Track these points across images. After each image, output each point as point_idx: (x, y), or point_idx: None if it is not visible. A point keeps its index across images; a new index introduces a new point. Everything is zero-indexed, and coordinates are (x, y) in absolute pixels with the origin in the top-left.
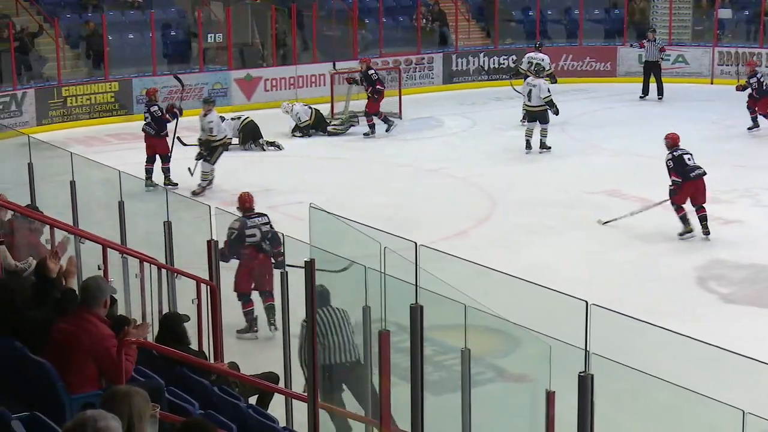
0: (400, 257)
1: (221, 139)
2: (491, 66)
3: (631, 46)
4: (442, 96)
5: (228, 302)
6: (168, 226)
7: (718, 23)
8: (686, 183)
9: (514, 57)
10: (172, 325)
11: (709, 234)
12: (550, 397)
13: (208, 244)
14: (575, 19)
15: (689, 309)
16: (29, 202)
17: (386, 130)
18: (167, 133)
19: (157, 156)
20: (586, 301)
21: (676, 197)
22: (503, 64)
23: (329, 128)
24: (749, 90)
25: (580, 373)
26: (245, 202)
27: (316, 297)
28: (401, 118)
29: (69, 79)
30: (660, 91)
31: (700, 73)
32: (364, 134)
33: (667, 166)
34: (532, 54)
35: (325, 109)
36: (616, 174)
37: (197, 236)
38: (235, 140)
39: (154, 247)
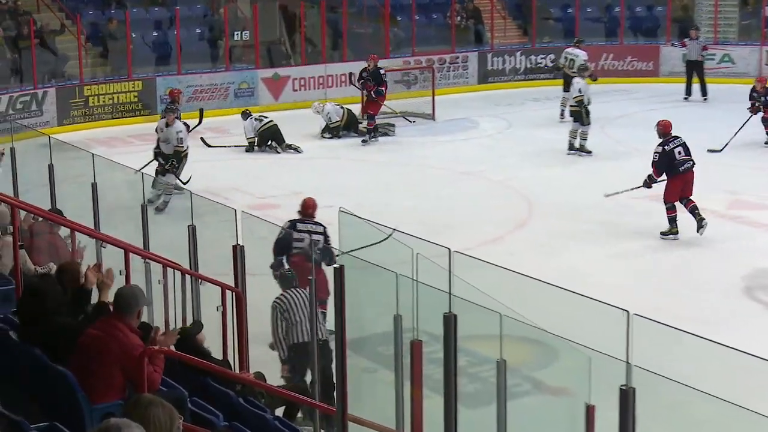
0: (433, 264)
1: (186, 149)
2: (528, 65)
3: (673, 45)
4: (476, 96)
5: (254, 310)
6: (192, 230)
7: (765, 21)
8: (676, 177)
9: (552, 56)
10: (186, 337)
11: (704, 222)
12: (589, 411)
13: (233, 249)
14: (616, 17)
15: (735, 319)
16: (50, 205)
17: (367, 139)
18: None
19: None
20: (627, 311)
21: (668, 195)
22: (540, 63)
23: (361, 128)
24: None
25: (621, 386)
26: (307, 208)
27: (344, 303)
28: (434, 119)
29: (91, 78)
30: (704, 92)
31: (747, 73)
32: (362, 141)
33: (653, 158)
34: (569, 50)
35: (355, 108)
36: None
37: (222, 241)
38: (239, 140)
39: (177, 252)
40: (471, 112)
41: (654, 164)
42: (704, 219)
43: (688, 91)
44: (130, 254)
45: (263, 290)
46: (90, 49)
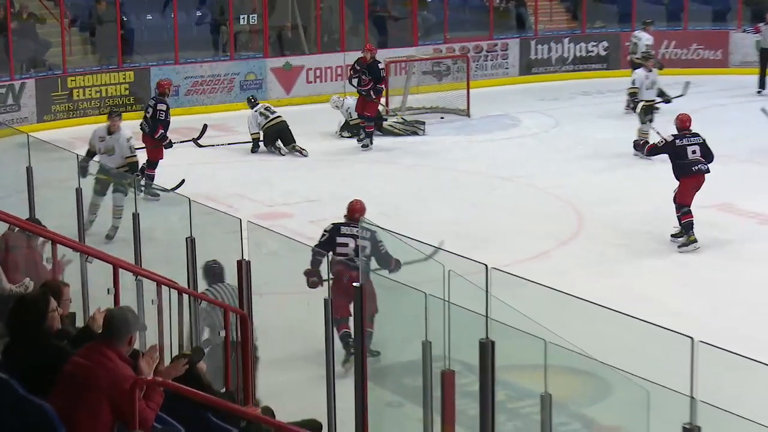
0: (467, 282)
1: (137, 158)
2: (577, 54)
3: (745, 31)
4: (518, 90)
5: (261, 334)
6: (191, 243)
7: None
8: (689, 178)
9: (606, 44)
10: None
11: (692, 241)
12: None
13: (238, 264)
14: None
15: None
16: (28, 213)
17: (361, 144)
18: (163, 137)
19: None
20: (692, 337)
21: (681, 196)
22: (592, 51)
23: (385, 125)
24: None
25: (684, 424)
26: (354, 212)
27: (365, 327)
28: (469, 116)
29: (76, 68)
30: None
31: None
32: (362, 146)
33: (657, 141)
34: (636, 32)
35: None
36: (728, 185)
37: (226, 255)
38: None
39: (174, 268)
40: (511, 107)
41: (653, 145)
42: (696, 240)
43: (762, 84)
44: (120, 270)
45: (272, 312)
46: (75, 35)
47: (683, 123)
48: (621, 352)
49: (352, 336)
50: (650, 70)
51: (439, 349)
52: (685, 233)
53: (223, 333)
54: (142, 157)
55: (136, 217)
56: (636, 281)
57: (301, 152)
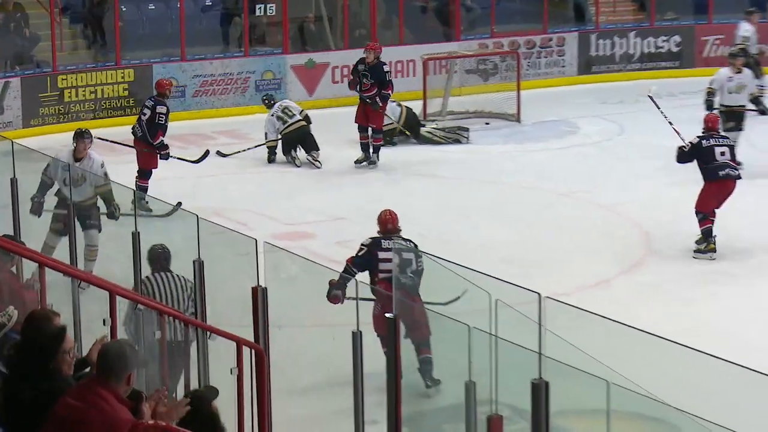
0: (517, 314)
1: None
2: (645, 50)
3: None
4: (576, 91)
5: (279, 372)
6: (199, 266)
7: None
8: (714, 183)
9: (678, 38)
10: (199, 406)
11: (710, 251)
12: None
13: (253, 292)
14: None
15: None
16: (12, 231)
17: (367, 162)
18: (162, 146)
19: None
20: None
21: (701, 203)
22: (662, 47)
23: (423, 132)
24: None
25: None
26: (386, 222)
27: (400, 365)
28: (519, 122)
29: (67, 65)
30: None
31: None
32: (369, 163)
33: (682, 144)
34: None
35: (416, 107)
36: None
37: (239, 281)
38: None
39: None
40: (569, 111)
41: (680, 149)
42: (715, 250)
43: None
44: (117, 297)
45: (293, 346)
46: (66, 27)
47: (713, 123)
48: (695, 395)
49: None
50: (739, 71)
51: (485, 391)
52: (705, 240)
53: (236, 371)
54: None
55: (136, 236)
56: (712, 313)
57: (314, 163)
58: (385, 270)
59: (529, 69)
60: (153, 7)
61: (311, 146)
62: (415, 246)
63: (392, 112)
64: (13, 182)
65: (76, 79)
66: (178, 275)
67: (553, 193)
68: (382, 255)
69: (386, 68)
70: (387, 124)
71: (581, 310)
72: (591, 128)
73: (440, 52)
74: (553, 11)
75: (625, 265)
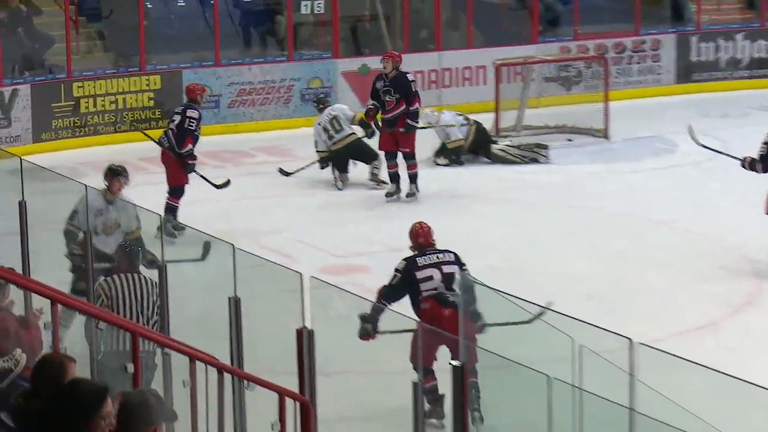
0: (605, 362)
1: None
2: (755, 55)
3: None
4: (674, 102)
5: (328, 426)
6: (235, 304)
7: None
8: None
9: None
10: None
11: None
12: None
13: (298, 334)
14: None
15: None
16: (20, 261)
17: (400, 195)
18: (191, 154)
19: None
20: None
21: None
22: None
23: (495, 150)
24: None
25: None
26: (417, 236)
27: (467, 419)
28: (608, 138)
29: (84, 71)
30: None
31: None
32: (407, 195)
33: (760, 151)
34: None
35: (486, 120)
36: None
37: (282, 322)
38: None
39: (212, 338)
40: (666, 126)
41: (762, 158)
42: None
43: None
44: (140, 339)
45: (343, 397)
46: (83, 26)
47: None
48: None
49: (442, 393)
50: None
51: None
52: None
53: (278, 427)
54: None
55: (162, 270)
56: None
57: (376, 181)
58: (428, 289)
59: (618, 76)
60: (182, 4)
61: (369, 157)
62: (456, 256)
63: (459, 127)
64: (22, 206)
65: (95, 87)
66: (146, 278)
67: (647, 220)
68: (420, 274)
69: (410, 77)
70: (453, 141)
71: (680, 359)
72: (690, 146)
73: (515, 57)
74: (647, 9)
75: (733, 305)
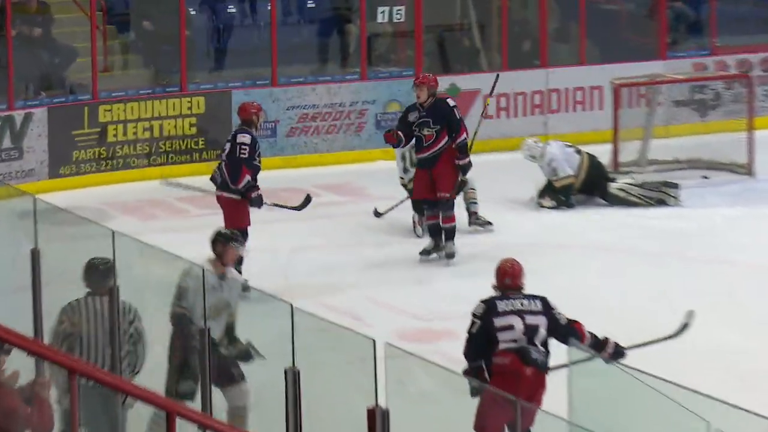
0: None
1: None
2: None
3: None
4: None
5: None
6: (293, 376)
7: None
8: None
9: None
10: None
11: None
12: None
13: (369, 413)
14: None
15: None
16: (31, 320)
17: (439, 254)
18: (250, 186)
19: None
20: None
21: None
22: None
23: (613, 189)
24: None
25: None
26: (504, 276)
27: None
28: (753, 175)
29: (112, 91)
30: None
31: None
32: (446, 255)
33: None
34: None
35: (602, 153)
36: None
37: (350, 398)
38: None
39: (264, 417)
40: None
41: None
42: None
43: None
44: (178, 418)
45: None
46: (111, 38)
47: None
48: None
49: None
50: None
51: None
52: None
53: None
54: None
55: (205, 334)
56: None
57: (479, 223)
58: (506, 340)
59: (766, 99)
60: (233, 10)
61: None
62: (545, 304)
63: (567, 160)
64: (35, 255)
65: (125, 111)
66: (122, 301)
67: None
68: (499, 322)
69: (452, 102)
70: (562, 178)
71: None
72: None
73: (638, 76)
74: None
75: None
